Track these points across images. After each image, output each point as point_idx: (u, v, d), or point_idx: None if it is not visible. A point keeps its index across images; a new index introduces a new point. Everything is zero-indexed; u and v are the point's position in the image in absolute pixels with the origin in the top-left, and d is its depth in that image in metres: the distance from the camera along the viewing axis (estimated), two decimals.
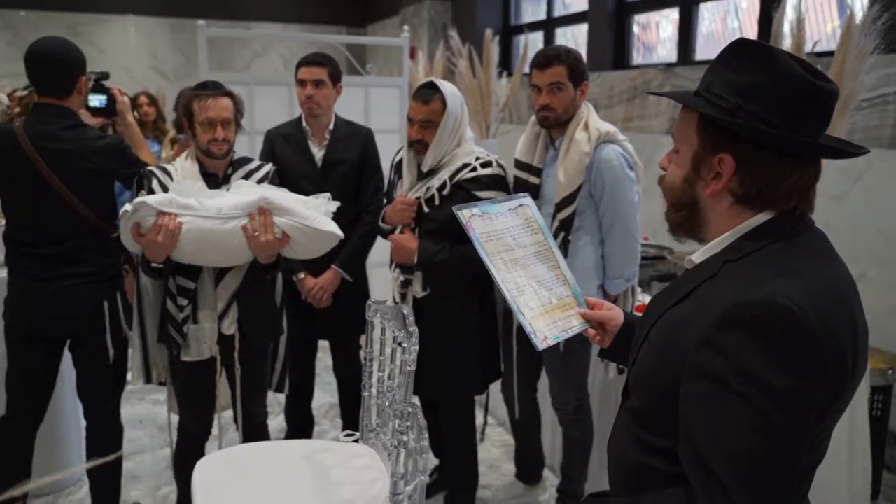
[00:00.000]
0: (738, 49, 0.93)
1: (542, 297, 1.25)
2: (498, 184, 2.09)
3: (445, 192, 2.06)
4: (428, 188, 2.08)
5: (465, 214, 1.32)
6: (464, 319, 2.17)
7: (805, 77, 0.90)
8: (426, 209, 2.08)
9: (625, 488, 1.03)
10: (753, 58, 0.90)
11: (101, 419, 2.18)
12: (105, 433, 2.20)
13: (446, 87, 2.07)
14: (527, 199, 1.43)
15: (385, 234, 2.23)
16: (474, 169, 2.06)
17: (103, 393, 2.17)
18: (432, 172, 2.10)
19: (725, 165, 0.92)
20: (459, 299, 2.16)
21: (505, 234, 1.34)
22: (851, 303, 0.91)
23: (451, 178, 2.06)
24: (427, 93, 2.05)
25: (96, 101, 2.24)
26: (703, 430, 0.85)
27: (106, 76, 2.30)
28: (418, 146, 2.08)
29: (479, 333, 2.22)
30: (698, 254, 0.99)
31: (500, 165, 2.12)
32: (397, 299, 2.14)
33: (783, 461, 0.82)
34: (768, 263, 0.89)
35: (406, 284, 2.12)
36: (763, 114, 0.89)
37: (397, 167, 2.25)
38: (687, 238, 1.03)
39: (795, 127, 0.89)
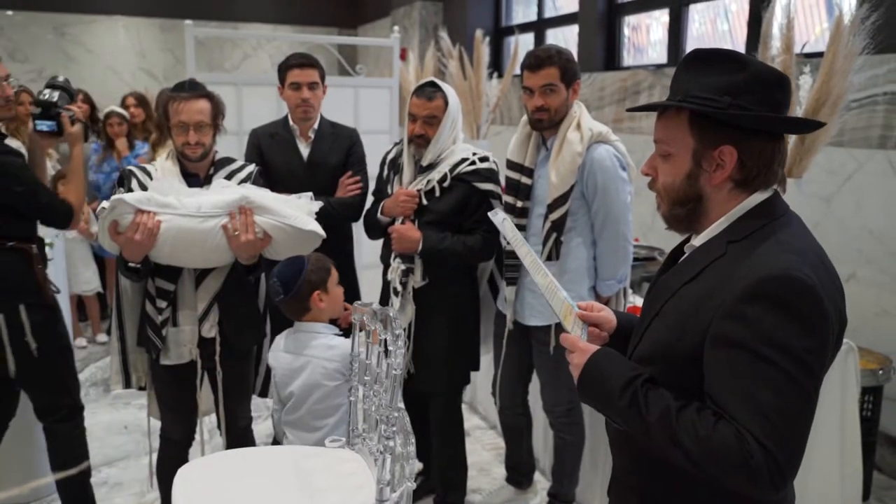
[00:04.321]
0: (703, 57, 1.05)
1: (557, 302, 1.26)
2: (495, 177, 2.18)
3: (446, 184, 2.12)
4: (428, 181, 2.14)
5: (498, 220, 1.38)
6: (460, 308, 2.23)
7: (775, 70, 1.04)
8: (425, 201, 2.13)
9: (633, 461, 1.12)
10: (725, 62, 1.03)
11: (53, 431, 2.12)
12: (63, 446, 2.13)
13: (446, 86, 2.16)
14: (503, 213, 1.48)
15: (384, 227, 2.23)
16: (473, 163, 2.14)
17: (8, 408, 2.10)
18: (431, 167, 2.15)
19: (727, 156, 1.03)
20: (456, 288, 2.22)
21: (514, 243, 1.40)
22: (834, 271, 1.03)
23: (452, 170, 2.13)
24: (430, 90, 2.13)
25: (44, 125, 2.07)
26: (734, 393, 0.94)
27: (62, 97, 2.09)
28: (419, 141, 2.14)
29: (473, 321, 2.29)
30: (700, 237, 1.09)
31: (494, 162, 2.20)
32: (398, 289, 2.16)
33: (805, 413, 0.94)
34: (773, 241, 1.00)
35: (406, 274, 2.15)
36: (752, 105, 1.01)
37: (391, 164, 2.28)
38: (687, 231, 1.12)
39: (776, 112, 1.03)
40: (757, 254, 0.98)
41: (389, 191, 2.24)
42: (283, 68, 2.47)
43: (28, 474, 2.43)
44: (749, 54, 1.08)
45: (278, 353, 1.96)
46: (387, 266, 2.24)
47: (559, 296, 1.26)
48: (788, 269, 0.94)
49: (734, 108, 1.00)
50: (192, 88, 1.94)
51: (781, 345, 0.92)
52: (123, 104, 4.33)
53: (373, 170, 2.61)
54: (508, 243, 1.33)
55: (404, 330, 2.16)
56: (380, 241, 2.32)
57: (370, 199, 2.39)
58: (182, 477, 1.50)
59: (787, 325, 0.92)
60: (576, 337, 1.16)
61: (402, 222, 2.15)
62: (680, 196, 1.08)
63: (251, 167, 2.12)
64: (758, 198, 1.05)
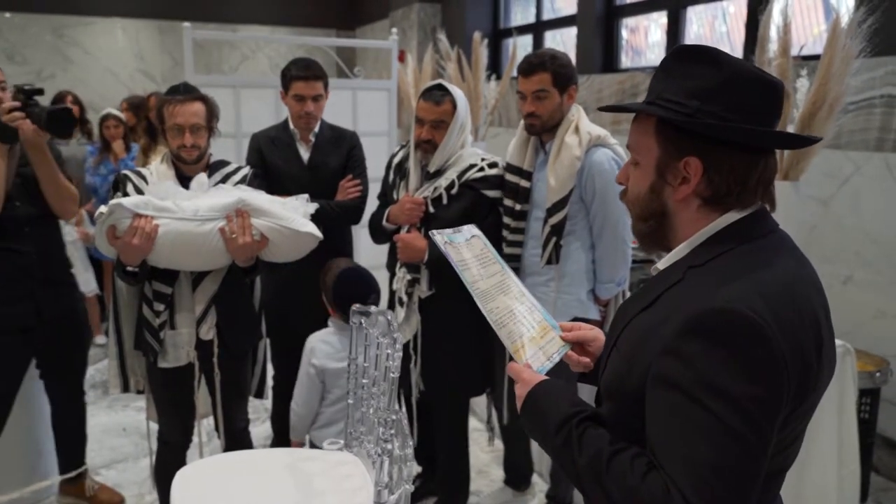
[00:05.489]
0: (682, 56, 0.94)
1: (520, 328, 1.16)
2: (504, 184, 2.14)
3: (454, 191, 2.08)
4: (435, 188, 2.10)
5: (440, 240, 1.25)
6: (468, 319, 2.12)
7: (758, 73, 0.91)
8: (432, 209, 2.09)
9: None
10: (701, 62, 0.91)
11: None
12: None
13: (455, 89, 2.11)
14: (475, 230, 1.37)
15: (389, 235, 2.20)
16: (482, 169, 2.10)
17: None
18: (438, 173, 2.11)
19: (692, 169, 0.91)
20: (464, 299, 2.14)
21: (473, 265, 1.27)
22: (815, 305, 0.90)
23: (460, 177, 2.08)
24: (438, 94, 2.07)
25: None
26: (665, 440, 0.84)
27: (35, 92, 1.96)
28: (426, 146, 2.09)
29: (482, 333, 2.20)
30: (664, 260, 0.98)
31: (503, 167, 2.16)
32: (403, 299, 2.13)
33: (743, 469, 0.81)
34: (731, 268, 0.88)
35: (412, 284, 2.12)
36: (723, 113, 0.89)
37: (397, 168, 2.23)
38: (656, 249, 1.01)
39: (755, 122, 0.90)
40: (709, 283, 0.87)
41: (396, 196, 2.20)
42: (288, 77, 2.42)
43: (29, 477, 2.43)
44: (746, 57, 0.99)
45: (337, 354, 2.08)
46: (392, 275, 2.20)
47: (531, 318, 1.16)
48: (731, 303, 0.82)
49: (702, 115, 0.89)
50: (186, 91, 1.95)
51: (719, 389, 0.80)
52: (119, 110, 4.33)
53: (372, 172, 2.61)
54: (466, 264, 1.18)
55: (410, 342, 2.14)
56: (378, 245, 2.31)
57: (374, 203, 2.36)
58: (180, 479, 1.50)
59: (727, 368, 0.80)
60: (521, 367, 1.05)
61: (408, 230, 2.11)
62: (644, 211, 0.97)
63: (246, 169, 2.12)
64: (730, 217, 0.92)
